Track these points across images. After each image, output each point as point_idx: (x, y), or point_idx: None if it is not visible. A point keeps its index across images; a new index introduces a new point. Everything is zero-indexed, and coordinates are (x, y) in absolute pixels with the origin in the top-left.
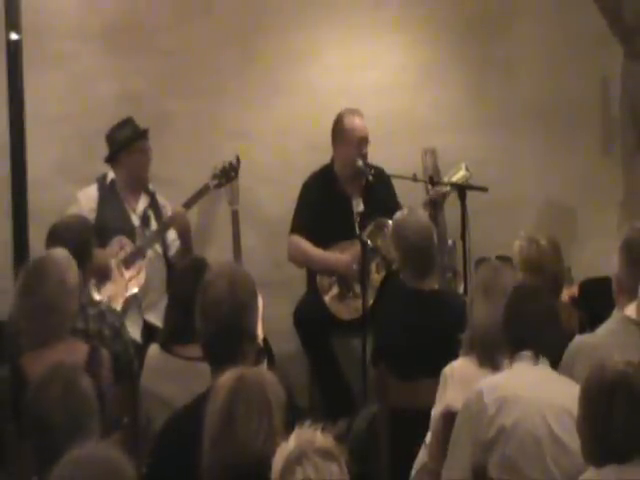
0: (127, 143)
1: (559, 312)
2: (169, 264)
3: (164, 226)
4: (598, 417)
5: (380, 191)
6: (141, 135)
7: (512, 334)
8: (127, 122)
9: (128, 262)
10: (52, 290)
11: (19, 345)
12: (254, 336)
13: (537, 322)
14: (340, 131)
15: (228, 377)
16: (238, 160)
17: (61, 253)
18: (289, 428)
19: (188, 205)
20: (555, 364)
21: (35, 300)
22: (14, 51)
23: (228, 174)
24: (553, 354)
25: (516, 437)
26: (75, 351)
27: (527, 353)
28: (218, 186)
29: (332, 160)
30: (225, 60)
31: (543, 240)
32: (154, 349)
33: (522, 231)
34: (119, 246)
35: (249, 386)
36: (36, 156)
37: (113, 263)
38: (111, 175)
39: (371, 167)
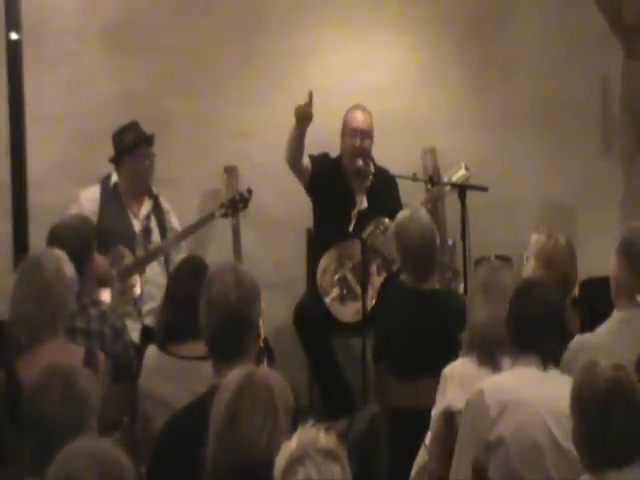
0: (131, 148)
1: (565, 312)
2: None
3: (165, 246)
4: (595, 427)
5: (384, 191)
6: (146, 141)
7: (516, 334)
8: (133, 126)
9: (123, 275)
10: (49, 277)
11: (14, 345)
12: (258, 332)
13: (542, 323)
14: (343, 124)
15: (237, 374)
16: (250, 192)
17: (57, 251)
18: (291, 429)
19: (190, 231)
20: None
21: (33, 285)
22: (14, 51)
23: (236, 205)
24: (556, 356)
25: (517, 443)
26: (70, 353)
27: (533, 357)
28: (224, 215)
29: (341, 154)
30: (225, 59)
31: (562, 239)
32: (152, 350)
33: (542, 225)
34: (118, 257)
35: (257, 384)
36: (36, 156)
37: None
38: (114, 178)
39: (376, 167)
